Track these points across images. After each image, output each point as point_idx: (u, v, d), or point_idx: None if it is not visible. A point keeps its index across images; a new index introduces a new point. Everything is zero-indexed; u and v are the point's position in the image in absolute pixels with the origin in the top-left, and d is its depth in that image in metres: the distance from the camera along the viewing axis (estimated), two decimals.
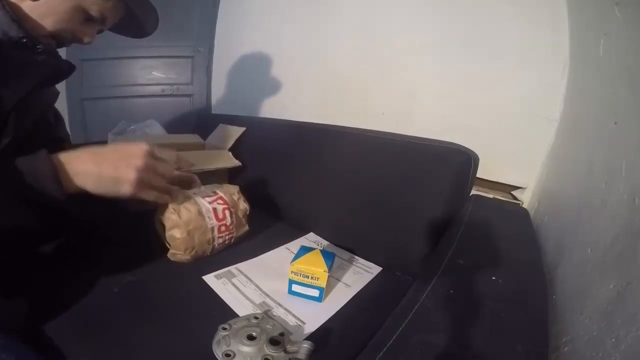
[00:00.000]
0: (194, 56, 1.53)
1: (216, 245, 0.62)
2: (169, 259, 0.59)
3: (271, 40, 1.32)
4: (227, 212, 0.62)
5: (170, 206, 0.56)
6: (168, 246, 0.59)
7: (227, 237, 0.63)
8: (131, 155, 0.47)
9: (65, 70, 0.55)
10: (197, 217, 0.57)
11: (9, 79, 0.45)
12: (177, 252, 0.58)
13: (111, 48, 1.42)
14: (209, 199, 0.61)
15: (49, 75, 0.53)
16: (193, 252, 0.58)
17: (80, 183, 0.44)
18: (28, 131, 0.55)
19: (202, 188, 0.64)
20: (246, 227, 0.67)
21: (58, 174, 0.42)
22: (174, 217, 0.56)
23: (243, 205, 0.66)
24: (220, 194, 0.63)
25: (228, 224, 0.62)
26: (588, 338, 0.40)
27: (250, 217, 0.68)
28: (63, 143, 0.67)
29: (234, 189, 0.66)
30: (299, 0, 1.23)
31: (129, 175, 0.46)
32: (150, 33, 0.58)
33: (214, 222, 0.60)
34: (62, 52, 0.55)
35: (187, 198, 0.58)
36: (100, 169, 0.45)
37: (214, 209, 0.60)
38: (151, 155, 0.49)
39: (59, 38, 0.49)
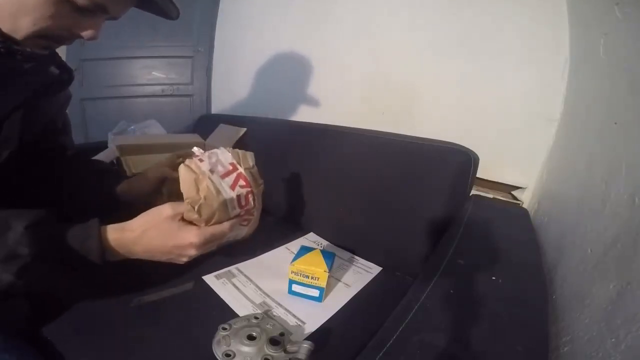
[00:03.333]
0: (194, 56, 1.52)
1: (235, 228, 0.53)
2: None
3: (271, 40, 1.32)
4: (250, 196, 0.52)
5: (187, 201, 0.46)
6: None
7: (246, 218, 0.55)
8: (182, 249, 0.46)
9: (63, 78, 0.51)
10: (222, 212, 0.48)
11: None
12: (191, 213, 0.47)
13: (111, 48, 1.42)
14: (229, 181, 0.50)
15: (46, 83, 0.49)
16: (206, 217, 0.48)
17: (128, 256, 0.45)
18: (36, 136, 0.53)
19: (216, 160, 0.52)
20: (260, 209, 0.57)
21: (104, 252, 0.42)
22: (193, 215, 0.46)
23: (260, 181, 0.57)
24: (239, 169, 0.52)
25: (251, 208, 0.53)
26: (588, 338, 0.40)
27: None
28: (66, 151, 0.65)
29: (251, 160, 0.56)
30: (299, 1, 1.23)
31: (181, 261, 0.48)
32: (175, 18, 0.50)
33: (237, 210, 0.51)
34: (62, 52, 0.53)
35: (205, 186, 0.47)
36: (152, 256, 0.46)
37: (238, 197, 0.50)
38: (202, 245, 0.46)
39: (51, 38, 0.41)
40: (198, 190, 0.46)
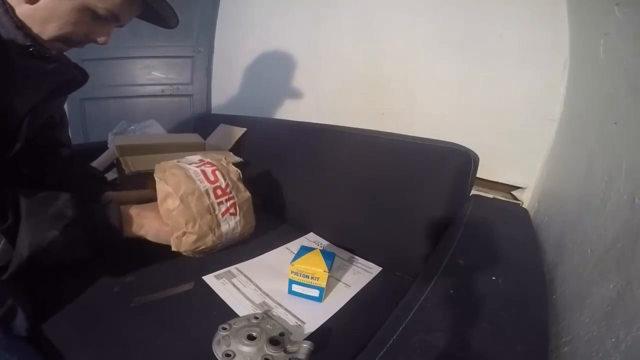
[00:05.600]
0: (194, 56, 1.53)
1: (219, 214, 0.56)
2: (177, 254, 0.56)
3: (271, 40, 1.32)
4: (217, 173, 0.56)
5: (155, 177, 0.53)
6: (172, 243, 0.54)
7: (228, 204, 0.57)
8: None
9: (79, 79, 0.55)
10: (186, 179, 0.52)
11: (22, 88, 0.45)
12: (179, 232, 0.52)
13: (111, 48, 1.41)
14: (194, 165, 0.57)
15: (61, 84, 0.53)
16: (197, 227, 0.53)
17: (142, 233, 0.54)
18: (35, 132, 0.55)
19: (187, 157, 0.59)
20: (247, 194, 0.62)
21: (123, 225, 0.50)
22: (161, 185, 0.52)
23: (234, 169, 0.61)
24: (208, 159, 0.59)
25: (223, 186, 0.56)
26: (588, 338, 0.40)
27: (245, 182, 0.64)
28: (63, 147, 0.66)
29: (221, 155, 0.63)
30: (299, 1, 1.23)
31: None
32: (173, 26, 0.55)
33: (207, 184, 0.54)
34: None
35: (171, 164, 0.54)
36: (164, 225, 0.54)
37: (203, 171, 0.55)
38: None
39: (69, 42, 0.47)
40: (165, 169, 0.55)
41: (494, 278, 0.42)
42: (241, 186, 0.61)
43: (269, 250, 0.70)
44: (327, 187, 0.80)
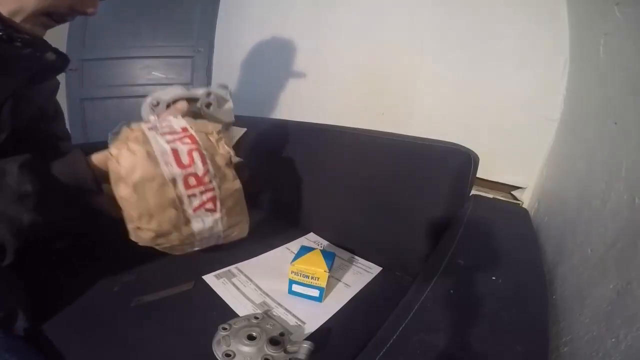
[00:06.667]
0: (194, 56, 1.53)
1: (189, 209, 0.41)
2: (158, 251, 0.45)
3: (271, 40, 1.32)
4: (195, 154, 0.40)
5: (109, 151, 0.39)
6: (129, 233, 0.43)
7: (205, 198, 0.41)
8: None
9: (59, 64, 0.51)
10: (145, 161, 0.38)
11: None
12: (134, 225, 0.40)
13: (111, 48, 1.42)
14: (168, 137, 0.41)
15: (39, 69, 0.49)
16: (153, 224, 0.39)
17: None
18: (24, 122, 0.53)
19: (167, 122, 0.44)
20: (236, 184, 0.45)
21: (94, 171, 0.44)
22: (113, 164, 0.38)
23: (224, 149, 0.44)
24: (190, 132, 0.42)
25: (200, 173, 0.40)
26: (588, 338, 0.40)
27: (239, 171, 0.48)
28: (61, 140, 0.65)
29: (214, 127, 0.45)
30: (299, 1, 1.23)
31: None
32: None
33: (175, 169, 0.39)
34: (63, 47, 0.53)
35: (135, 136, 0.40)
36: None
37: (174, 150, 0.39)
38: None
39: (54, 15, 0.42)
40: (125, 140, 0.40)
41: (494, 278, 0.42)
42: (229, 173, 0.44)
43: (269, 250, 0.70)
44: (327, 187, 0.80)
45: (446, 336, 0.32)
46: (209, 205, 0.42)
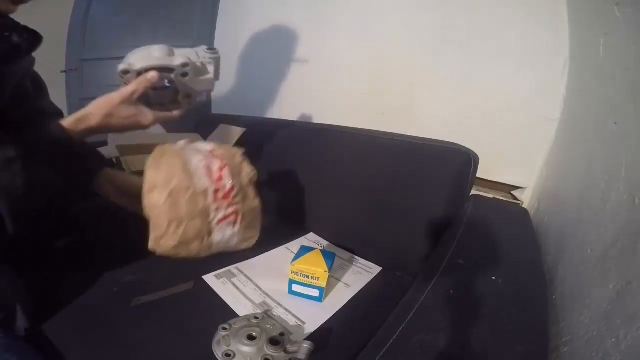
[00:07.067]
0: None
1: (214, 220, 0.44)
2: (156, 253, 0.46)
3: (271, 40, 1.32)
4: (225, 171, 0.45)
5: (147, 161, 0.44)
6: (149, 242, 0.45)
7: (229, 211, 0.45)
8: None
9: (31, 41, 0.50)
10: (182, 172, 0.42)
11: None
12: (159, 233, 0.42)
13: (111, 48, 1.42)
14: (200, 156, 0.46)
15: (9, 49, 0.48)
16: (180, 231, 0.42)
17: (90, 123, 0.49)
18: (4, 104, 0.52)
19: (196, 144, 0.49)
20: (256, 202, 0.49)
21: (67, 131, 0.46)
22: (151, 174, 0.43)
23: (248, 169, 0.49)
24: (218, 153, 0.48)
25: (227, 188, 0.45)
26: (588, 338, 0.40)
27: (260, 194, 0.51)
28: (51, 115, 0.61)
29: (236, 150, 0.50)
30: (299, 1, 1.23)
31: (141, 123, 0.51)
32: None
33: (207, 182, 0.43)
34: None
35: (171, 150, 0.45)
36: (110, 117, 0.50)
37: (207, 167, 0.44)
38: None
39: None
40: (162, 153, 0.46)
41: (494, 278, 0.42)
42: (251, 192, 0.49)
43: (269, 250, 0.70)
44: (327, 187, 0.80)
45: (446, 336, 0.32)
46: (232, 219, 0.46)
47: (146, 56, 0.50)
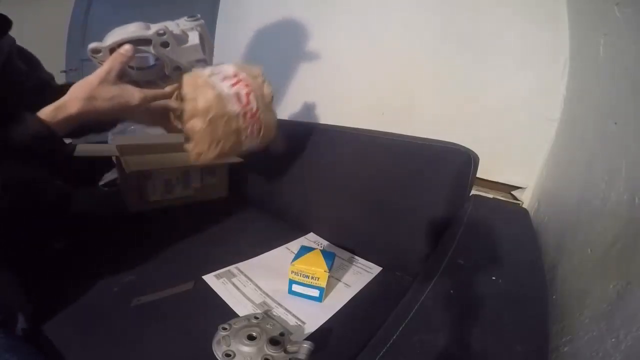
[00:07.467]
0: None
1: (244, 137, 0.54)
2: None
3: (271, 40, 1.32)
4: (251, 96, 0.53)
5: (184, 93, 0.50)
6: (187, 148, 0.52)
7: (255, 128, 0.55)
8: (125, 90, 0.49)
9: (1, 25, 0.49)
10: (218, 101, 0.49)
11: None
12: (201, 150, 0.51)
13: None
14: (228, 82, 0.52)
15: None
16: (219, 148, 0.52)
17: (69, 111, 0.45)
18: None
19: (219, 69, 0.55)
20: (274, 116, 0.60)
21: (40, 119, 0.43)
22: (190, 105, 0.49)
23: (268, 90, 0.58)
24: (242, 76, 0.54)
25: (254, 110, 0.54)
26: (588, 338, 0.40)
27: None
28: (48, 86, 0.61)
29: (257, 71, 0.58)
30: (299, 1, 1.23)
31: (129, 102, 0.49)
32: None
33: (238, 108, 0.52)
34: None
35: (203, 81, 0.51)
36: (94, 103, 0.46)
37: (237, 94, 0.52)
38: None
39: None
40: (196, 86, 0.50)
41: (494, 278, 0.42)
42: (270, 107, 0.59)
43: (269, 250, 0.70)
44: (327, 187, 0.80)
45: (446, 336, 0.32)
46: (256, 133, 0.56)
47: (119, 32, 0.49)
